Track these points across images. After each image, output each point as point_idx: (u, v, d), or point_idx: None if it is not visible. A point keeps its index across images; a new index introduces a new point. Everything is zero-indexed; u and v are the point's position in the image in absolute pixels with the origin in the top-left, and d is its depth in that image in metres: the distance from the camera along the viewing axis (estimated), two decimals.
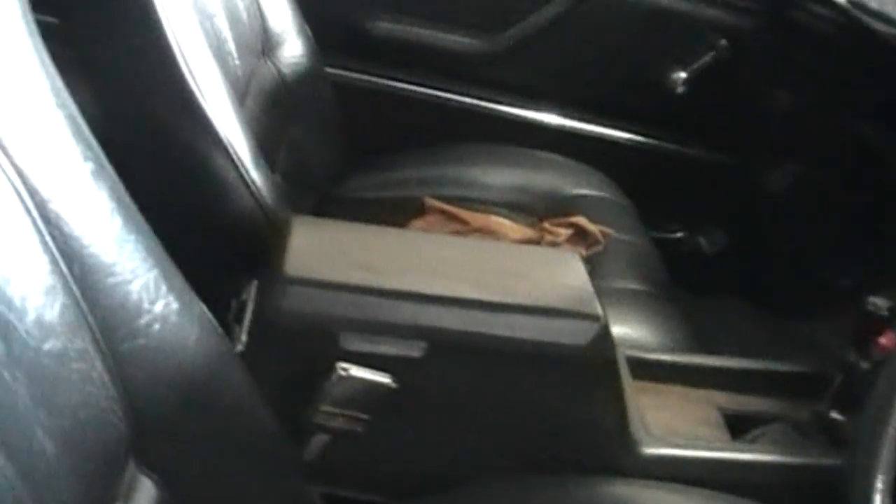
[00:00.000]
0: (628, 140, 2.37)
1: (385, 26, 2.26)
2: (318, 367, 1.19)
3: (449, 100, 2.31)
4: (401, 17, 2.27)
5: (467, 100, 2.32)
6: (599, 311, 1.24)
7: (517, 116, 2.33)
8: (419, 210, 1.89)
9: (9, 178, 0.82)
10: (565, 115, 2.34)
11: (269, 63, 1.85)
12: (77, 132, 0.90)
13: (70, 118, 0.90)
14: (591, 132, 2.35)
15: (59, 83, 0.90)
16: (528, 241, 1.80)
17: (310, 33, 1.95)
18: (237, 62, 1.64)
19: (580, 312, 1.24)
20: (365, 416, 1.20)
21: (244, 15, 1.73)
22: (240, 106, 1.54)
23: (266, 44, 1.84)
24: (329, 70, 2.07)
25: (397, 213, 1.86)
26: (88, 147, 0.91)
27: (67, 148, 0.89)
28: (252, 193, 1.45)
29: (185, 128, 1.41)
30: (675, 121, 2.36)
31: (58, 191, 0.85)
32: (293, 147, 1.83)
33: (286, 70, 1.87)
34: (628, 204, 2.08)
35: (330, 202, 1.92)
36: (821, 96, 2.23)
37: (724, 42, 2.27)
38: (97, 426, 0.86)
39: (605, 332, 1.24)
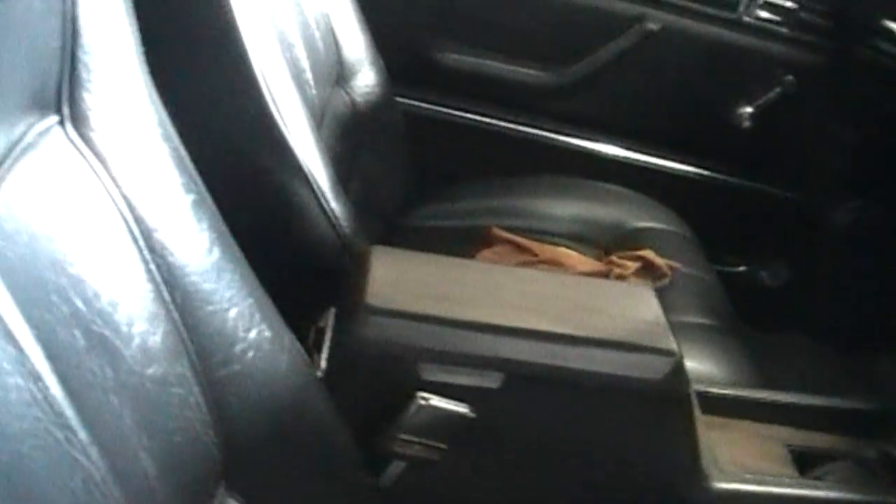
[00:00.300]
0: (693, 173, 2.37)
1: (455, 58, 2.28)
2: (397, 395, 1.20)
3: (516, 131, 2.32)
4: (470, 48, 2.28)
5: (534, 131, 2.32)
6: (674, 346, 1.24)
7: (583, 148, 2.34)
8: (486, 240, 1.89)
9: (118, 208, 0.84)
10: (631, 148, 2.35)
11: (342, 92, 1.86)
12: (180, 164, 0.92)
13: (174, 150, 0.92)
14: (656, 165, 2.36)
15: (165, 115, 0.92)
16: (596, 274, 1.80)
17: (382, 64, 1.97)
18: (314, 91, 1.65)
19: (655, 347, 1.24)
20: (442, 445, 1.22)
21: (321, 45, 1.75)
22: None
23: (341, 73, 1.86)
24: (399, 100, 2.08)
25: (464, 242, 1.86)
26: (190, 179, 0.93)
27: (171, 179, 0.91)
28: (330, 221, 1.46)
29: (266, 156, 1.43)
30: (741, 155, 2.36)
31: (163, 221, 0.88)
32: (363, 175, 1.84)
33: (359, 99, 1.89)
34: (692, 237, 2.08)
35: (398, 231, 1.92)
36: (886, 132, 2.23)
37: (790, 77, 2.27)
38: (192, 450, 0.88)
39: (679, 368, 1.24)
